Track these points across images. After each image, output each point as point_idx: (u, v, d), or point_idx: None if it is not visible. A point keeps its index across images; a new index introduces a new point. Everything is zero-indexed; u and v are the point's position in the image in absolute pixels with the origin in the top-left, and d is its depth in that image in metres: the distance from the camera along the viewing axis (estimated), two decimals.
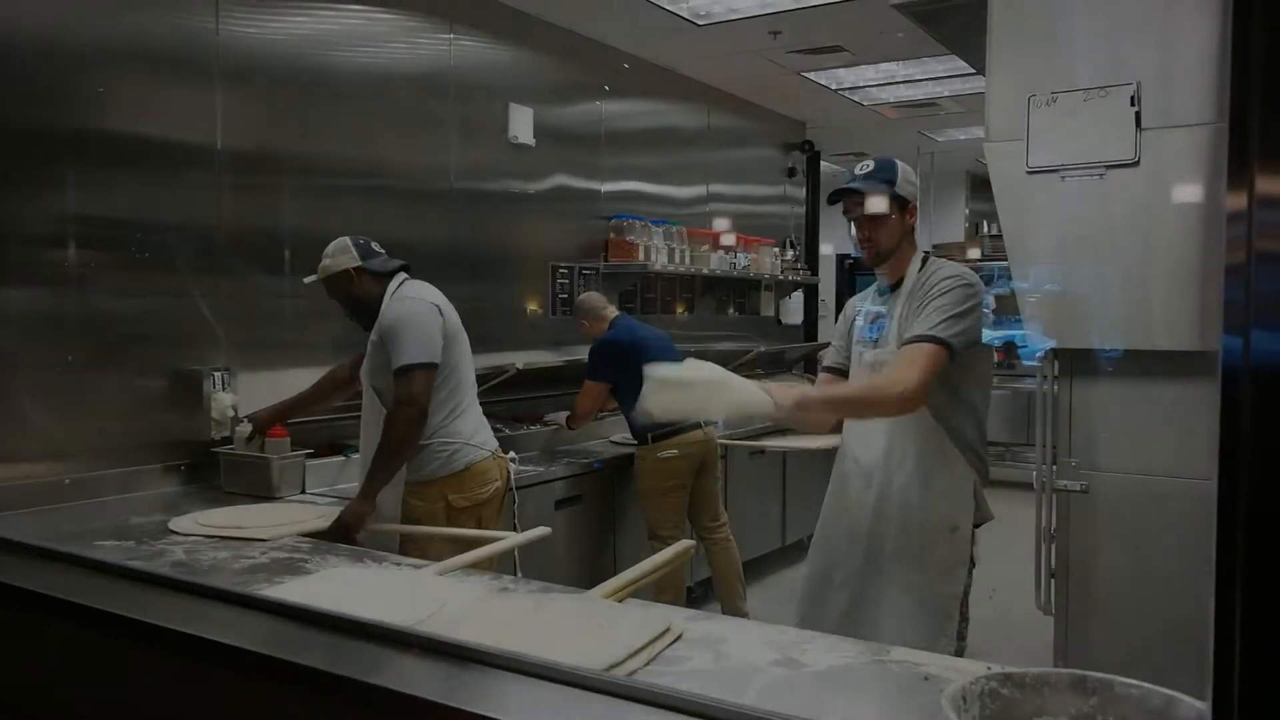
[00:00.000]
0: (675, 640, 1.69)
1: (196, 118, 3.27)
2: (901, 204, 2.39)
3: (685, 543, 2.35)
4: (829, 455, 2.67)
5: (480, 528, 2.98)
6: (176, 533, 2.58)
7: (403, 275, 3.06)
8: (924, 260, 2.43)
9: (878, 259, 2.41)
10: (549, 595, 1.97)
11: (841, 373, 2.56)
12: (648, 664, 1.58)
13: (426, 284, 3.07)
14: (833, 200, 2.44)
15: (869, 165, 2.39)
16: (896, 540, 2.38)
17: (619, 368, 4.14)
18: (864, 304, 2.54)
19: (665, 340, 4.41)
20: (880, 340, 2.41)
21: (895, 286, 2.43)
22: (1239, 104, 0.82)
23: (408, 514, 2.92)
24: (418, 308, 2.92)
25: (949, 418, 2.36)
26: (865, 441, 2.43)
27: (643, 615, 1.78)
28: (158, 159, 3.16)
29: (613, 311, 4.43)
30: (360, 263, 3.02)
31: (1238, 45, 0.82)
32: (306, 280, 3.15)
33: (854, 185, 2.38)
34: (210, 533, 2.57)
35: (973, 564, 2.44)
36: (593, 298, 4.49)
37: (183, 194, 3.23)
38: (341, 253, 3.04)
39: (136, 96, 3.11)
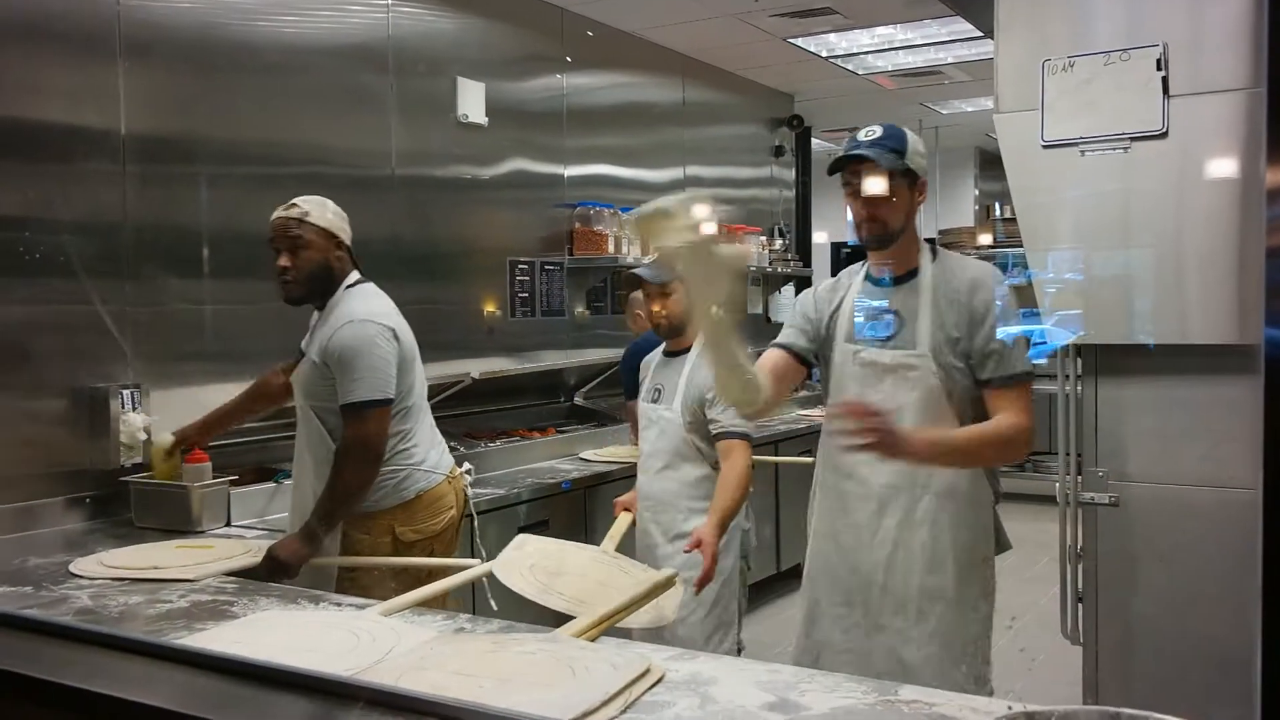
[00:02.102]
0: (656, 683, 1.68)
1: (95, 99, 3.23)
2: (911, 179, 2.36)
3: (667, 571, 2.34)
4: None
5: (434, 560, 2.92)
6: (80, 576, 2.53)
7: (357, 274, 3.01)
8: (933, 251, 2.42)
9: (882, 241, 2.37)
10: (510, 635, 1.95)
11: (797, 356, 2.50)
12: (625, 710, 1.57)
13: (380, 294, 3.00)
14: (833, 170, 2.39)
15: (875, 131, 2.35)
16: (924, 575, 2.34)
17: None
18: (844, 294, 2.48)
19: None
20: (896, 340, 2.36)
21: (901, 279, 2.40)
22: (1278, 67, 0.83)
23: (349, 549, 2.86)
24: (370, 333, 2.82)
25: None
26: (870, 458, 2.31)
27: (618, 655, 1.77)
28: (50, 147, 3.12)
29: None
30: (348, 240, 2.98)
31: (1276, 2, 0.82)
32: (278, 211, 2.91)
33: (859, 152, 2.32)
34: (120, 574, 2.52)
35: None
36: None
37: (80, 187, 3.19)
38: (340, 216, 2.98)
39: (24, 75, 3.06)
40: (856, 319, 2.45)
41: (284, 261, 2.86)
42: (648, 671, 1.69)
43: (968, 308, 2.30)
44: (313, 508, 2.79)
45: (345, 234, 2.97)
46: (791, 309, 2.58)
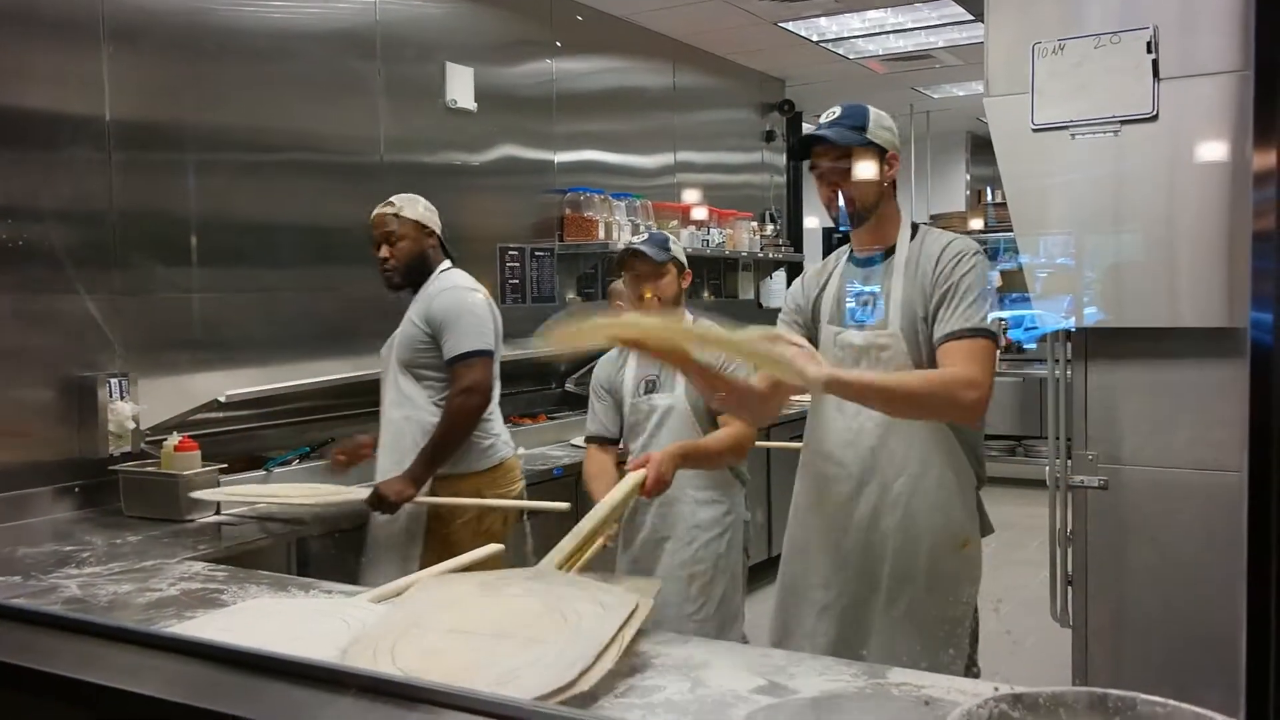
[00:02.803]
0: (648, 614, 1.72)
1: (80, 85, 3.21)
2: (878, 154, 2.30)
3: (634, 475, 2.41)
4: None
5: (505, 526, 3.29)
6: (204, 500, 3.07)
7: (449, 262, 3.33)
8: (914, 230, 2.37)
9: (855, 219, 2.33)
10: (497, 574, 1.98)
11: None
12: (621, 656, 1.59)
13: (470, 277, 3.32)
14: (793, 155, 2.43)
15: (835, 111, 2.33)
16: (896, 558, 2.32)
17: None
18: (828, 276, 2.43)
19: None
20: (872, 321, 2.33)
21: (879, 258, 2.36)
22: (1266, 48, 0.83)
23: (437, 510, 3.15)
24: (474, 298, 3.20)
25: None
26: (850, 440, 2.33)
27: (606, 595, 1.79)
28: (34, 134, 3.10)
29: None
30: (438, 230, 3.29)
31: None
32: (378, 209, 3.25)
33: (816, 133, 2.29)
34: (246, 499, 3.07)
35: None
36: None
37: (65, 174, 3.18)
38: (431, 211, 3.30)
39: (6, 61, 3.05)
40: (838, 300, 2.40)
41: (384, 253, 3.22)
42: (636, 609, 1.71)
43: (933, 275, 2.24)
44: (414, 457, 3.08)
45: (436, 225, 3.29)
46: (784, 301, 2.55)
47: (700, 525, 2.99)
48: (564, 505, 3.10)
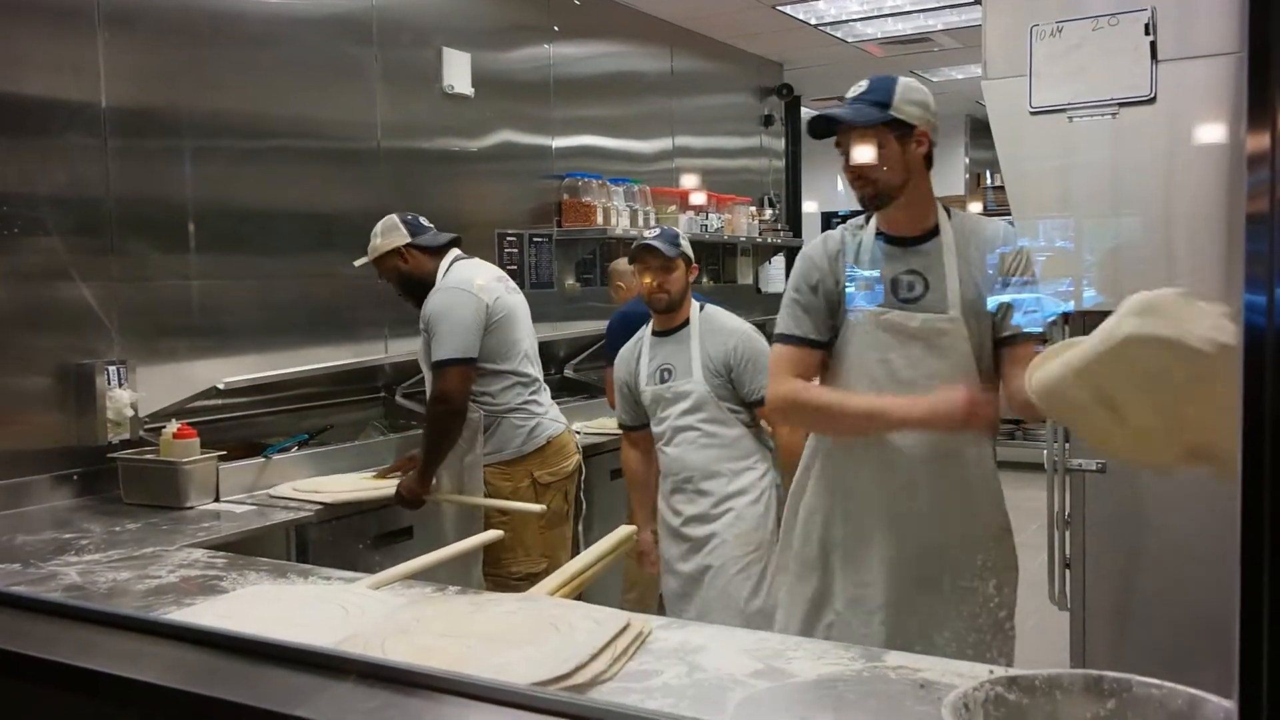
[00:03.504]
0: (642, 638, 1.72)
1: (75, 71, 3.19)
2: (903, 130, 2.15)
3: (626, 528, 2.36)
4: None
5: (567, 504, 3.44)
6: (279, 497, 3.21)
7: (455, 252, 3.40)
8: (947, 211, 2.24)
9: (877, 201, 2.18)
10: (487, 596, 1.98)
11: (820, 345, 2.24)
12: (613, 665, 1.59)
13: (477, 261, 3.41)
14: (815, 132, 2.23)
15: (862, 86, 2.20)
16: (960, 551, 2.20)
17: None
18: (854, 253, 2.23)
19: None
20: (923, 303, 2.16)
21: (919, 239, 2.20)
22: (1258, 28, 0.82)
23: (492, 495, 3.28)
24: (455, 298, 3.24)
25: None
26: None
27: (598, 612, 1.80)
28: (30, 121, 3.09)
29: None
30: (410, 239, 3.35)
31: None
32: (357, 263, 3.46)
33: (831, 113, 2.17)
34: (312, 498, 3.14)
35: None
36: (625, 261, 4.46)
37: (61, 160, 3.16)
38: (390, 231, 3.37)
39: (2, 48, 3.03)
40: (873, 280, 2.23)
41: (397, 292, 3.43)
42: (628, 626, 1.71)
43: (996, 265, 2.15)
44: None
45: (400, 239, 3.35)
46: (788, 292, 2.31)
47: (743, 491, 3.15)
48: (538, 507, 3.20)
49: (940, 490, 2.19)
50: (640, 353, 3.36)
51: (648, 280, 3.25)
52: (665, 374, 3.28)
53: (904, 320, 2.17)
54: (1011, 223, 2.64)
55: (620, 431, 3.55)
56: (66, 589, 2.23)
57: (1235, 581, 0.82)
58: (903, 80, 2.20)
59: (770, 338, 2.41)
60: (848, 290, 2.23)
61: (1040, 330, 2.18)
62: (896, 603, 2.20)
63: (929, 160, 2.21)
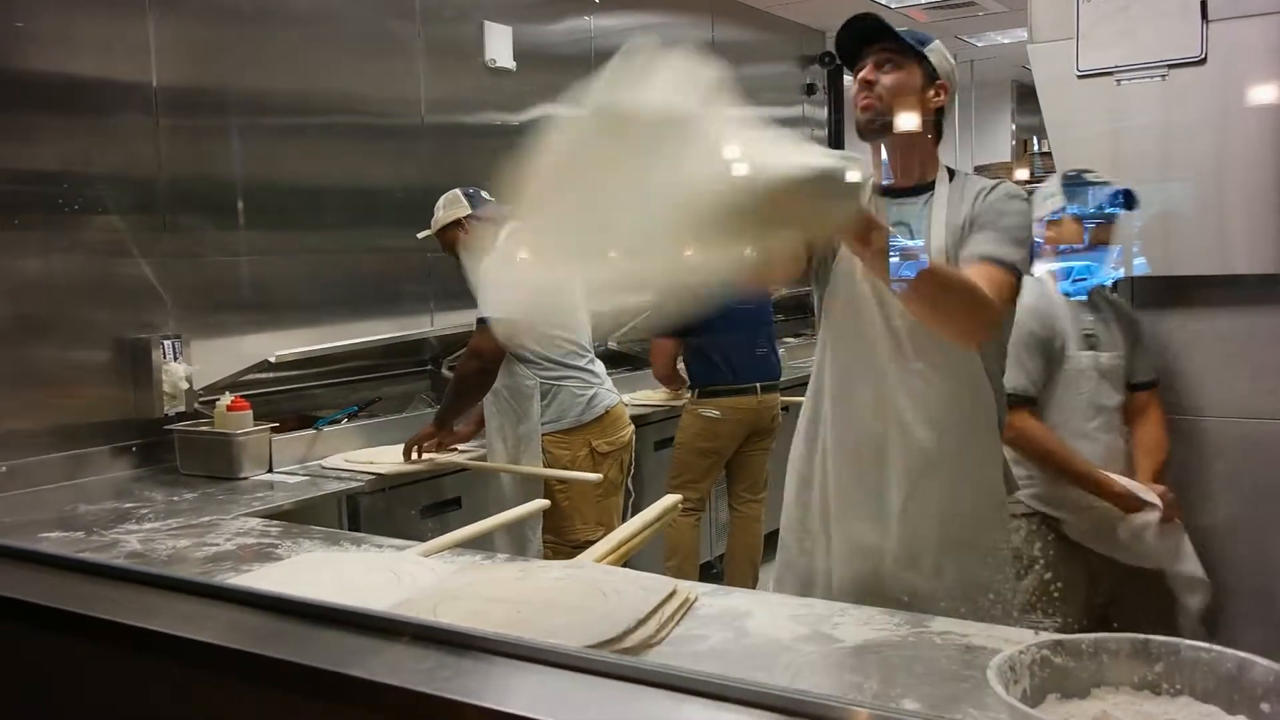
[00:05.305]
0: (688, 605, 1.73)
1: (127, 52, 3.24)
2: (928, 72, 2.05)
3: (671, 497, 2.38)
4: None
5: (622, 473, 3.50)
6: (331, 468, 3.27)
7: (514, 223, 3.33)
8: (951, 174, 2.12)
9: (875, 122, 2.04)
10: (535, 563, 2.00)
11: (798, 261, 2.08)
12: (661, 630, 1.61)
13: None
14: (840, 45, 2.11)
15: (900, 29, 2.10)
16: (943, 523, 2.01)
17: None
18: None
19: None
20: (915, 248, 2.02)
21: (912, 190, 2.09)
22: None
23: (551, 464, 3.32)
24: (503, 261, 3.19)
25: (992, 361, 2.06)
26: (916, 394, 1.99)
27: (645, 579, 1.82)
28: (85, 101, 3.15)
29: None
30: (471, 211, 3.42)
31: None
32: (420, 235, 3.52)
33: (863, 21, 2.07)
34: (362, 469, 3.20)
35: None
36: None
37: (115, 140, 3.22)
38: (452, 204, 3.46)
39: (58, 31, 3.08)
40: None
41: (456, 263, 3.45)
42: (674, 593, 1.73)
43: (975, 205, 2.01)
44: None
45: (463, 210, 3.44)
46: None
47: None
48: (595, 476, 3.23)
49: (947, 449, 1.99)
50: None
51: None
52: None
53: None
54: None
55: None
56: (129, 556, 2.29)
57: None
58: (937, 40, 2.14)
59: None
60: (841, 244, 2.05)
61: (1004, 259, 1.91)
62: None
63: (939, 118, 2.11)
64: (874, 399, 2.01)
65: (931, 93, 2.08)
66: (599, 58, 5.31)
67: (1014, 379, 2.40)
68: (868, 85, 2.04)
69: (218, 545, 2.36)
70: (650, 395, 4.61)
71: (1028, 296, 2.20)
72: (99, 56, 3.19)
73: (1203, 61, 2.43)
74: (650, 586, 1.75)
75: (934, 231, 2.02)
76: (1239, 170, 2.44)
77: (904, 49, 2.06)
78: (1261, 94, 2.42)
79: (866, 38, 2.09)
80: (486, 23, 4.52)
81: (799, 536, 2.12)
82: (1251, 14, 2.38)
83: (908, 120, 2.06)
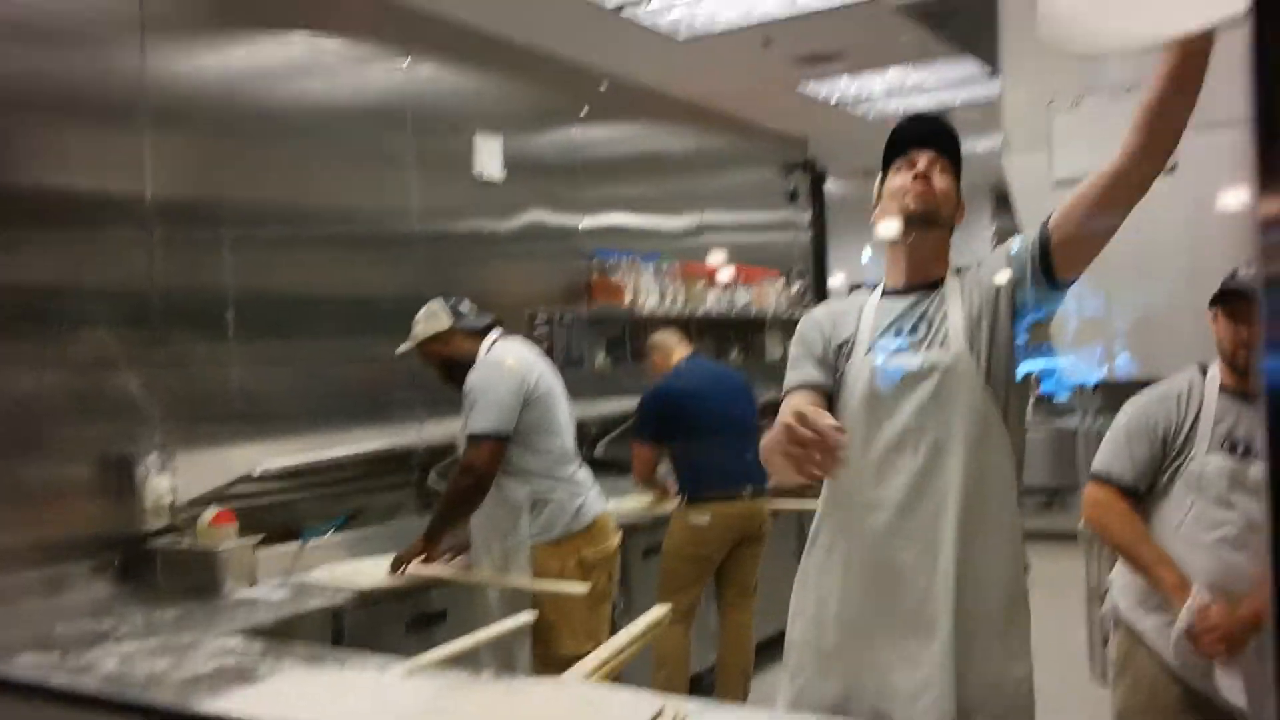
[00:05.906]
0: None
1: (122, 166, 3.28)
2: (958, 177, 2.16)
3: (659, 608, 2.33)
4: None
5: (609, 582, 3.41)
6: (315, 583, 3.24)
7: (496, 332, 3.42)
8: (959, 271, 2.19)
9: (925, 218, 2.09)
10: (522, 682, 1.96)
11: (822, 390, 2.11)
12: None
13: (517, 342, 3.45)
14: (900, 133, 2.15)
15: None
16: (990, 610, 2.01)
17: (666, 423, 4.13)
18: (858, 312, 2.16)
19: (733, 383, 4.37)
20: (930, 340, 2.05)
21: (923, 287, 2.13)
22: (1263, 91, 0.83)
23: (540, 575, 3.24)
24: (494, 374, 3.27)
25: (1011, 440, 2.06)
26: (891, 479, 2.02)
27: (633, 696, 1.78)
28: (78, 214, 3.17)
29: (682, 351, 4.41)
30: (452, 323, 3.40)
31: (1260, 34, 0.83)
32: (399, 350, 3.48)
33: (933, 119, 2.19)
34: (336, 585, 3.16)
35: None
36: (664, 333, 4.53)
37: (108, 253, 3.24)
38: (431, 317, 3.43)
39: (52, 145, 3.13)
40: (877, 331, 2.11)
41: (439, 377, 3.46)
42: (663, 711, 1.69)
43: (982, 283, 2.08)
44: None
45: (442, 323, 3.40)
46: (793, 348, 2.21)
47: None
48: (583, 588, 3.15)
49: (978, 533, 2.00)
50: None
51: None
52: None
53: (906, 361, 2.04)
54: None
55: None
56: (105, 678, 2.23)
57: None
58: None
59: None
60: (858, 343, 2.12)
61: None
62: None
63: (952, 227, 2.19)
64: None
65: (959, 198, 2.19)
66: (585, 166, 5.45)
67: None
68: (925, 180, 2.10)
69: (195, 667, 2.30)
70: (638, 504, 4.57)
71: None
72: (94, 171, 3.22)
73: (1174, 169, 2.48)
74: (638, 705, 1.71)
75: (951, 314, 2.07)
76: (1213, 275, 2.47)
77: (958, 159, 2.16)
78: (1231, 198, 2.48)
79: (930, 139, 2.16)
80: (477, 135, 4.60)
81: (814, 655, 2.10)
82: (1222, 123, 2.44)
83: (942, 221, 2.14)
